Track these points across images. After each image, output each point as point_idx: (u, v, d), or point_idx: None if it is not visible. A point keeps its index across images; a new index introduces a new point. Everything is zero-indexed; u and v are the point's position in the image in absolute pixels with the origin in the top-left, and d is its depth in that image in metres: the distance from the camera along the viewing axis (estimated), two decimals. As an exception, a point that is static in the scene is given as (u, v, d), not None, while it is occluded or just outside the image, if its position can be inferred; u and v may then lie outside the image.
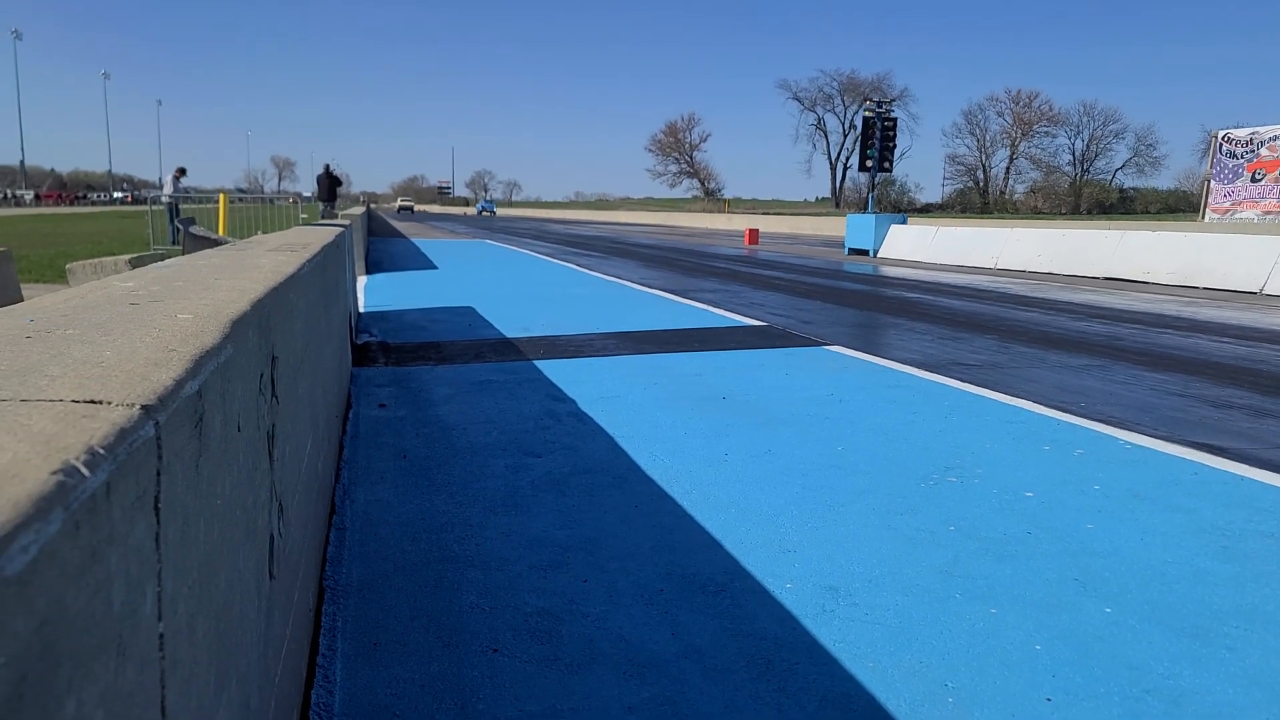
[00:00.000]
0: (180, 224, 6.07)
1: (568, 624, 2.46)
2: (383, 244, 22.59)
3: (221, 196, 9.59)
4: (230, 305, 1.55)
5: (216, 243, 5.93)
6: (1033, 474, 3.89)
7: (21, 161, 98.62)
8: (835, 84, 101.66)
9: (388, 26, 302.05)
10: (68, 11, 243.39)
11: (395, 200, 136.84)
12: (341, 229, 5.50)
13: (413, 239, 26.94)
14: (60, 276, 12.84)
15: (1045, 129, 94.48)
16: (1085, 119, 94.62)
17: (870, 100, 21.44)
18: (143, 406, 0.84)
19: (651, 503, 3.45)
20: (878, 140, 20.89)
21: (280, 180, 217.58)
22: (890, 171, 22.04)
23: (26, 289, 10.40)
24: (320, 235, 4.43)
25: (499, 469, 3.86)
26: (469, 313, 9.22)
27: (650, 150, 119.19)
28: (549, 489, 3.60)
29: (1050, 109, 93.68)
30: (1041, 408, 5.17)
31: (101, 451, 0.73)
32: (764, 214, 72.65)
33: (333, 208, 26.34)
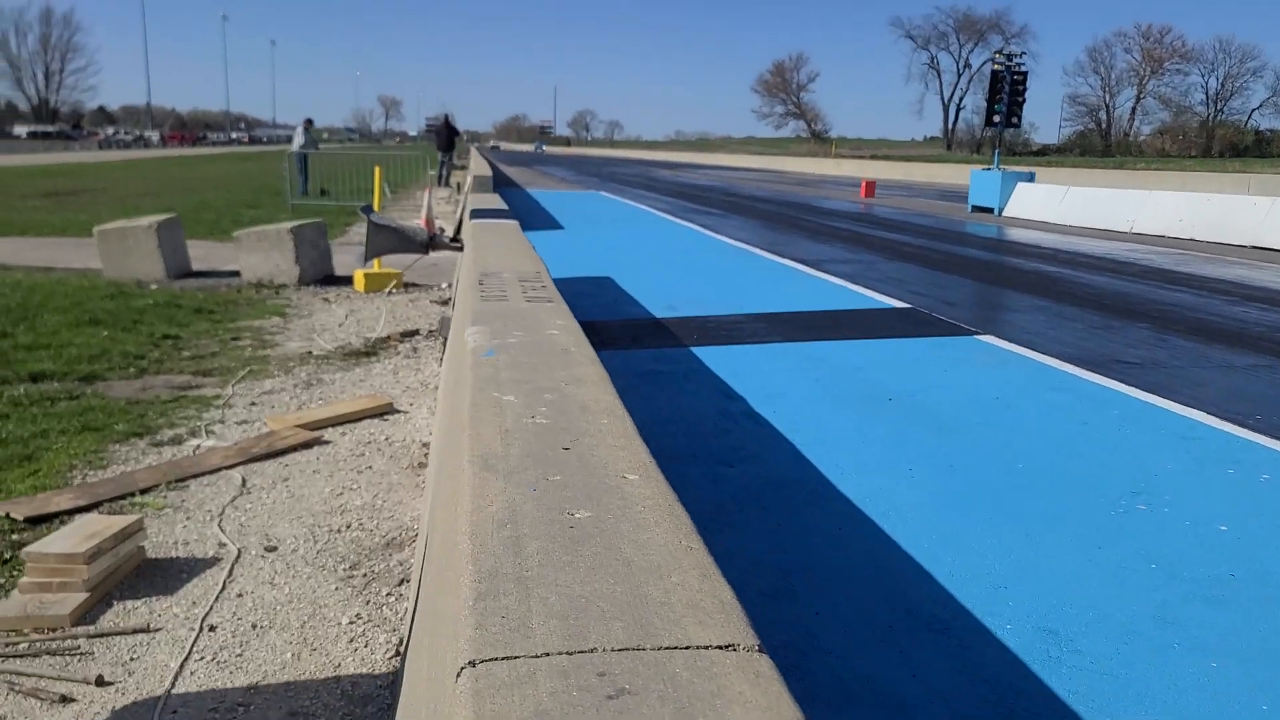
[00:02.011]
0: (364, 213, 6.44)
1: (813, 660, 2.70)
2: (504, 197, 23.15)
3: (377, 171, 10.03)
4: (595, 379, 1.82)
5: (402, 233, 6.30)
6: (1221, 503, 3.96)
7: (148, 103, 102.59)
8: (950, 21, 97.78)
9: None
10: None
11: (490, 141, 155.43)
12: (529, 250, 5.81)
13: (529, 189, 27.41)
14: (215, 231, 13.63)
15: (1177, 66, 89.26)
16: (1221, 56, 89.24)
17: (1000, 53, 20.69)
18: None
19: (852, 524, 3.67)
20: (1006, 94, 20.22)
21: (387, 119, 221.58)
22: (1018, 126, 21.37)
23: (192, 245, 11.12)
24: (524, 254, 4.71)
25: (697, 479, 4.12)
26: (610, 285, 9.48)
27: (756, 91, 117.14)
28: (751, 505, 3.85)
29: (1183, 45, 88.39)
30: (1217, 421, 5.17)
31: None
32: (871, 157, 70.91)
33: (452, 158, 26.92)
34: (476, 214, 6.43)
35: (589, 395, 1.94)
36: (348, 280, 9.61)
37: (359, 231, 14.47)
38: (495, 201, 8.28)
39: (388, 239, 6.21)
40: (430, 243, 6.30)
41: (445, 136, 26.52)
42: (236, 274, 9.69)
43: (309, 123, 22.44)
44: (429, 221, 13.92)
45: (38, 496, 3.93)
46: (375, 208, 8.94)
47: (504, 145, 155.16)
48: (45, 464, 4.32)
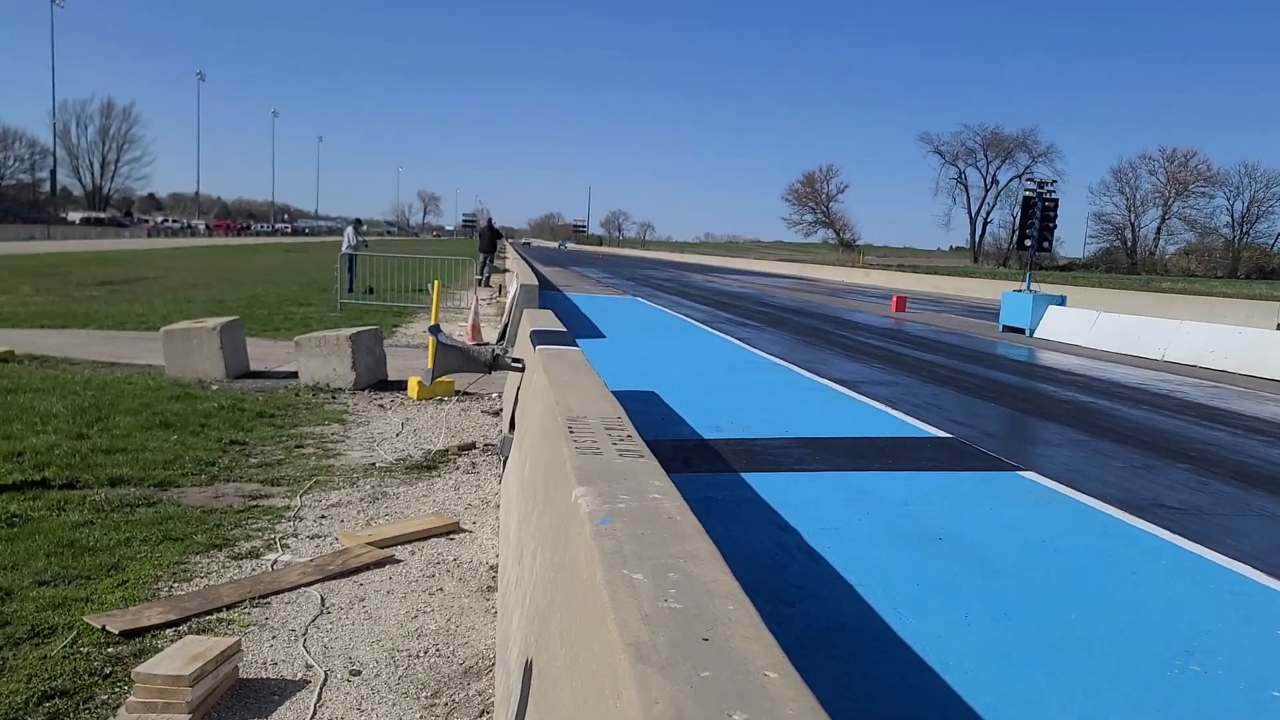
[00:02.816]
0: (432, 333, 6.74)
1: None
2: (544, 299, 23.63)
3: (435, 286, 10.42)
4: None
5: (467, 353, 6.57)
6: (1273, 666, 4.02)
7: (197, 193, 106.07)
8: (978, 138, 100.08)
9: (531, 68, 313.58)
10: (238, 51, 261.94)
11: (523, 238, 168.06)
12: (602, 389, 6.06)
13: (567, 292, 28.01)
14: (268, 328, 14.06)
15: (1201, 189, 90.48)
16: (1246, 180, 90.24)
17: (1031, 179, 21.27)
18: None
19: (916, 674, 3.77)
20: (1037, 220, 20.67)
21: (425, 213, 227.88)
22: (1049, 250, 21.77)
23: (252, 344, 11.47)
24: (599, 393, 4.92)
25: (765, 619, 4.23)
26: (656, 401, 9.70)
27: (787, 200, 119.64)
28: (817, 648, 3.96)
29: (1208, 169, 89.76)
30: (1263, 576, 5.23)
31: None
32: (899, 267, 71.79)
33: (493, 258, 27.59)
34: (539, 338, 6.69)
35: (709, 575, 2.10)
36: (400, 385, 9.88)
37: (408, 333, 14.89)
38: (550, 320, 8.56)
39: (454, 359, 6.47)
40: (493, 363, 6.55)
41: (488, 239, 27.31)
42: (294, 375, 9.98)
43: (358, 223, 23.21)
44: (474, 328, 14.37)
45: (130, 610, 4.11)
46: (432, 319, 9.25)
47: (535, 242, 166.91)
48: (132, 574, 4.51)
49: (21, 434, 6.81)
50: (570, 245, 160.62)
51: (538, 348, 6.17)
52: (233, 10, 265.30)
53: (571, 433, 3.56)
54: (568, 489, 2.81)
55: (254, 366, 10.49)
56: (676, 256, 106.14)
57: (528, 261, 38.84)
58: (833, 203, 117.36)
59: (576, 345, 6.55)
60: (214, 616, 4.12)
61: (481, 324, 15.26)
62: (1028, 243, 20.85)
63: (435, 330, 6.76)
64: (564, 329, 7.79)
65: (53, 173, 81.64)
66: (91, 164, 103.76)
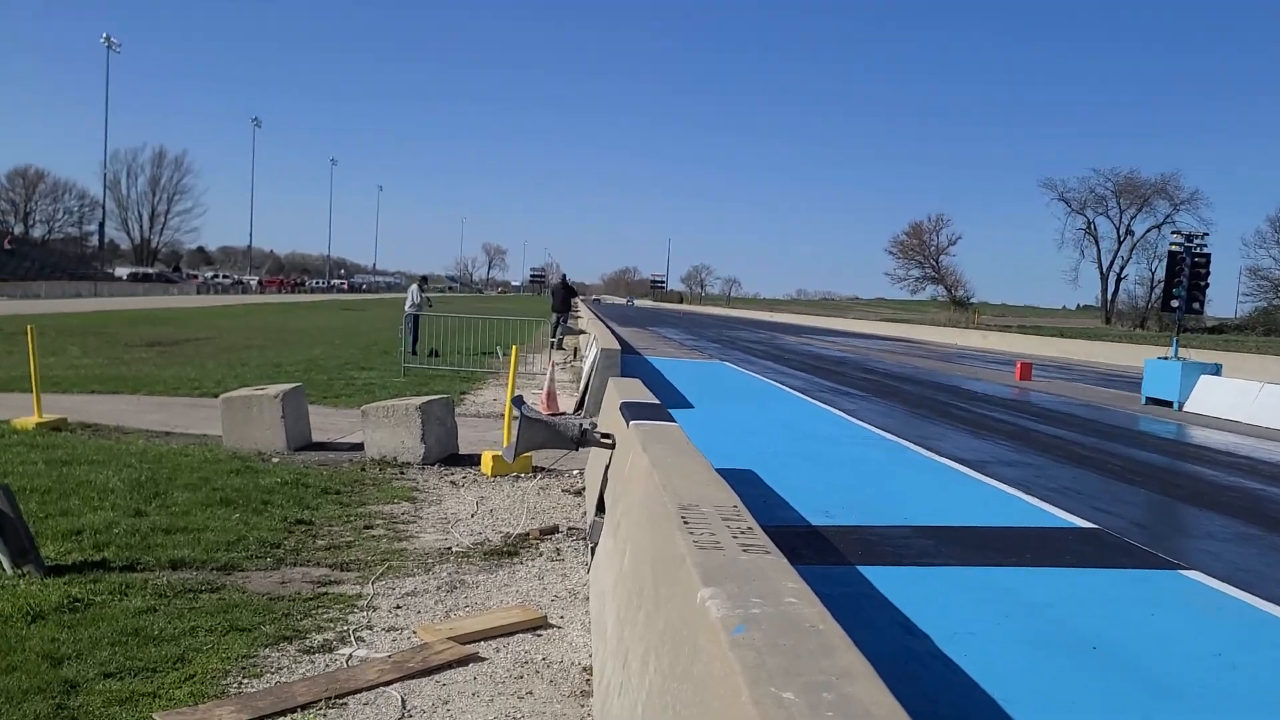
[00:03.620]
0: (515, 405, 6.85)
1: None
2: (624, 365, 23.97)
3: (514, 352, 10.64)
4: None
5: (554, 428, 6.66)
6: None
7: (249, 247, 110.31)
8: (1110, 184, 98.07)
9: (605, 112, 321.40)
10: (296, 98, 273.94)
11: (593, 295, 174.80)
12: (709, 471, 6.09)
13: (647, 355, 28.25)
14: (328, 394, 14.45)
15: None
16: None
17: (1178, 233, 20.78)
18: None
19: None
20: (1185, 277, 20.17)
21: (490, 268, 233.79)
22: (1201, 312, 21.18)
23: (313, 413, 11.77)
24: (707, 476, 4.93)
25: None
26: (756, 482, 9.67)
27: (891, 253, 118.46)
28: (961, 776, 3.85)
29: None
30: None
31: None
32: (1019, 328, 70.40)
33: (566, 318, 28.00)
34: (632, 411, 6.75)
35: (866, 695, 2.08)
36: (473, 460, 10.03)
37: (477, 401, 15.14)
38: (640, 391, 8.64)
39: (539, 434, 6.56)
40: (581, 438, 6.62)
41: (561, 296, 27.76)
42: (358, 447, 10.20)
43: (424, 281, 23.85)
44: (550, 397, 14.54)
45: (199, 708, 4.22)
46: (509, 388, 9.42)
47: (607, 298, 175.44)
48: (199, 667, 4.63)
49: (79, 510, 7.09)
50: (639, 302, 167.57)
51: (632, 423, 6.23)
52: (291, 55, 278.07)
53: (686, 523, 3.58)
54: (689, 589, 2.81)
55: (316, 437, 10.76)
56: (766, 315, 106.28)
57: (604, 322, 39.33)
58: (943, 256, 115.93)
59: (674, 420, 6.59)
60: (288, 718, 4.19)
61: (557, 391, 15.43)
62: (1174, 303, 20.33)
63: (519, 402, 6.88)
64: (657, 401, 7.85)
65: (101, 225, 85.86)
66: (141, 215, 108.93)
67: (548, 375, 14.84)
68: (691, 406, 15.95)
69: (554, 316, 27.93)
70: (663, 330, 51.79)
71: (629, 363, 23.44)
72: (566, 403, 15.53)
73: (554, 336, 25.82)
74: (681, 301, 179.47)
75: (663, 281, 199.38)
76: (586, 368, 16.64)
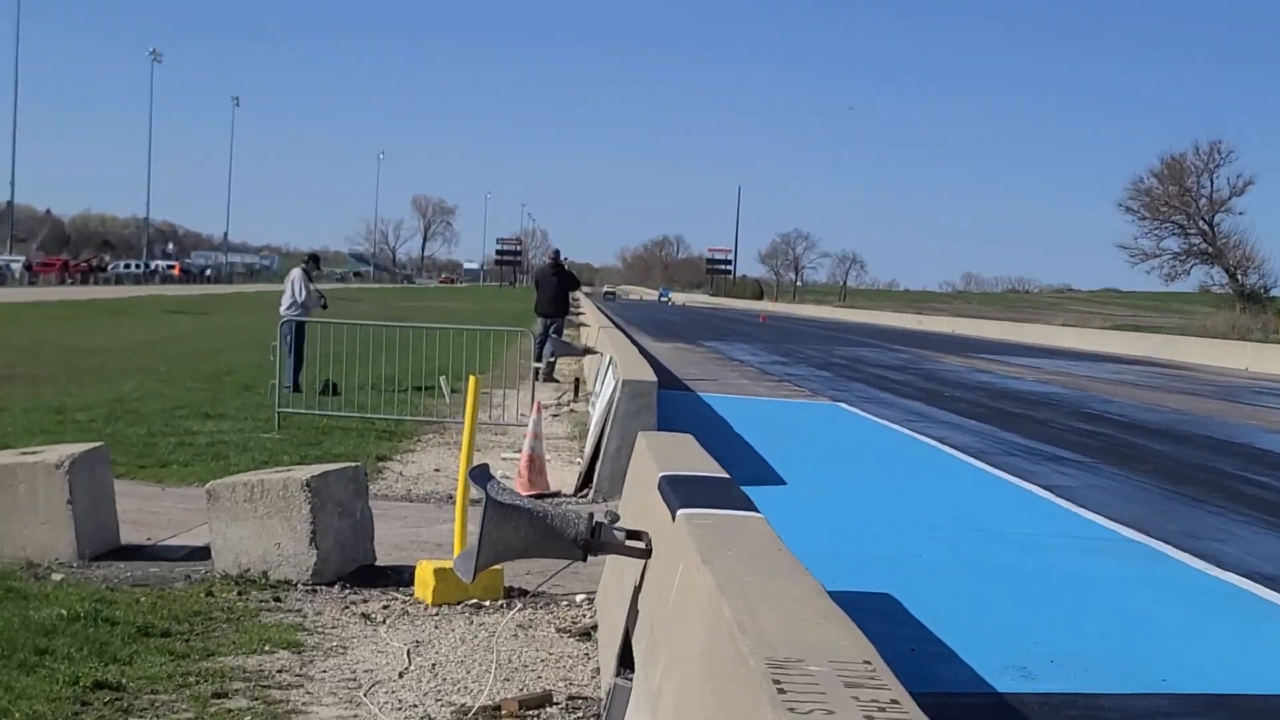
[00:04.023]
0: (476, 481, 6.71)
1: None
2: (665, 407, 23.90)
3: (472, 385, 10.62)
4: None
5: (544, 521, 6.54)
6: None
7: (9, 202, 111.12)
8: None
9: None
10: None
11: (605, 285, 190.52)
12: (820, 596, 5.95)
13: (703, 392, 28.24)
14: (148, 459, 14.42)
15: None
16: None
17: None
18: None
19: None
20: None
21: (427, 238, 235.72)
22: None
23: (124, 493, 11.65)
24: (816, 606, 4.80)
25: None
26: (897, 615, 9.55)
27: (1129, 208, 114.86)
28: None
29: None
30: None
31: None
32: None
33: (562, 326, 28.04)
34: (679, 491, 6.62)
35: None
36: (400, 575, 9.98)
37: (407, 473, 15.16)
38: (693, 454, 8.53)
39: (517, 532, 6.40)
40: (591, 540, 6.47)
41: (554, 290, 27.92)
42: (203, 554, 10.12)
43: (312, 263, 23.99)
44: (532, 464, 14.49)
45: None
46: (463, 452, 9.36)
47: (627, 291, 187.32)
48: None
49: None
50: (683, 298, 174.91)
51: (681, 513, 6.10)
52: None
53: (782, 693, 3.43)
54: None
55: (128, 536, 10.69)
56: (907, 320, 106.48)
57: (626, 333, 39.37)
58: (1221, 213, 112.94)
59: (754, 507, 6.47)
60: None
61: (546, 455, 15.37)
62: None
63: (481, 477, 6.76)
64: (723, 473, 7.73)
65: None
66: None
67: (530, 427, 14.77)
68: (783, 482, 15.88)
69: (540, 324, 27.97)
70: (728, 346, 51.93)
71: (672, 405, 23.38)
72: (563, 475, 15.51)
73: (541, 360, 25.76)
74: (760, 296, 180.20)
75: (726, 261, 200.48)
76: (598, 414, 16.57)
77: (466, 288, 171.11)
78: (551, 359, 26.32)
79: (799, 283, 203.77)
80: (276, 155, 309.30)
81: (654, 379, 16.60)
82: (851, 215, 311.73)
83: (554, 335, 27.25)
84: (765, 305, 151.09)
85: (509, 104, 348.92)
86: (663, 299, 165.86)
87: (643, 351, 29.79)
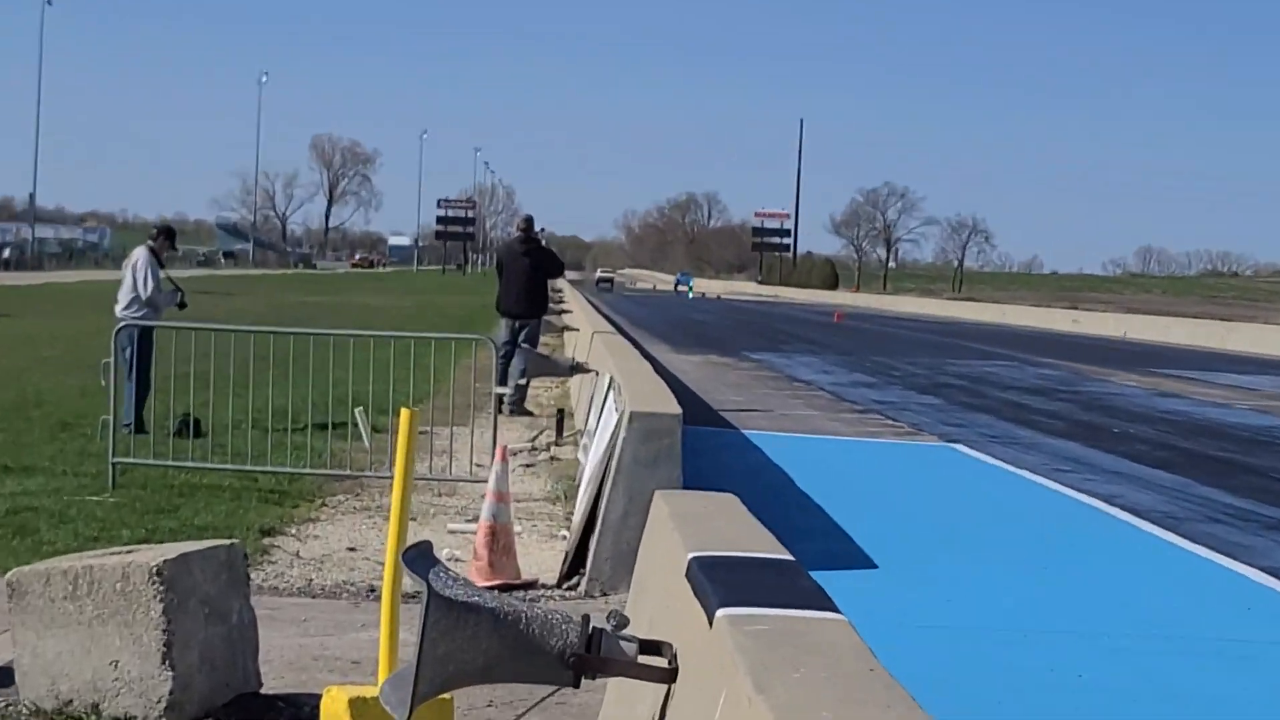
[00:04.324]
0: (412, 568, 6.73)
1: None
2: (694, 453, 23.85)
3: (405, 420, 10.69)
4: None
5: (523, 636, 6.58)
6: None
7: None
8: None
9: None
10: None
11: (603, 271, 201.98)
12: None
13: (747, 430, 28.14)
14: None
15: None
16: None
17: None
18: None
19: None
20: None
21: (333, 197, 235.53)
22: None
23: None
24: None
25: None
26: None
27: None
28: None
29: None
30: None
31: None
32: None
33: (538, 332, 28.12)
34: (721, 584, 6.65)
35: None
36: (297, 707, 10.00)
37: (309, 551, 15.14)
38: (738, 524, 8.58)
39: (476, 643, 6.40)
40: (588, 654, 6.51)
41: (526, 277, 27.90)
42: (3, 677, 10.14)
43: (162, 238, 23.95)
44: (494, 539, 14.52)
45: None
46: (392, 524, 9.43)
47: (634, 277, 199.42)
48: None
49: None
50: (708, 288, 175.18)
51: (720, 613, 6.13)
52: None
53: None
54: None
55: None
56: (1061, 322, 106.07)
57: (631, 339, 39.34)
58: None
59: (833, 607, 6.47)
60: None
61: (516, 525, 15.41)
62: None
63: (420, 561, 6.80)
64: (784, 552, 7.74)
65: None
66: None
67: (491, 484, 14.79)
68: (873, 565, 15.87)
69: (506, 328, 27.99)
70: (786, 359, 52.00)
71: (705, 449, 23.41)
72: (541, 556, 15.64)
73: (507, 382, 25.83)
74: (835, 284, 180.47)
75: (783, 232, 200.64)
76: (592, 463, 16.52)
77: (393, 273, 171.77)
78: (523, 381, 26.23)
79: (892, 263, 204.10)
80: (108, 83, 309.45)
81: (677, 410, 16.59)
82: (968, 165, 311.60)
83: (526, 345, 27.09)
84: (842, 297, 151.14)
85: (455, 5, 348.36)
86: (680, 288, 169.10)
87: (659, 368, 29.81)
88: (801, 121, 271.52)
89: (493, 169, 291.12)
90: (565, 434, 24.56)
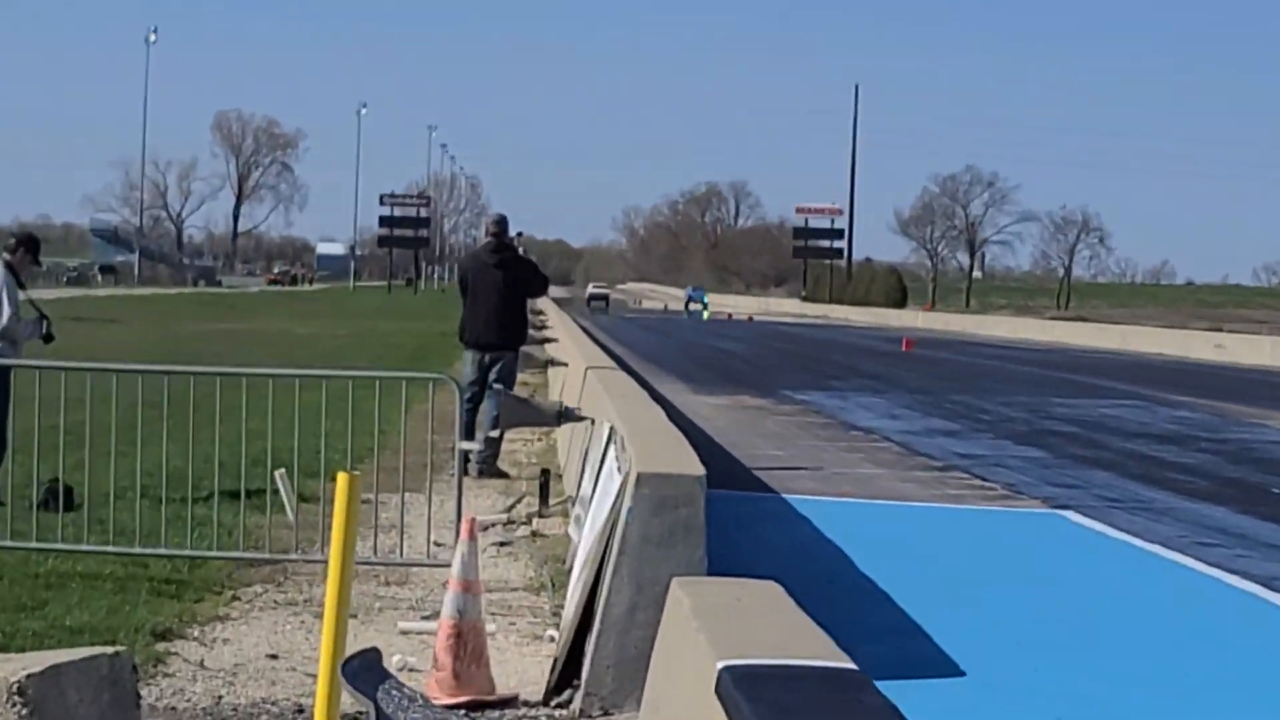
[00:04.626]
0: (357, 687, 6.91)
1: None
2: (722, 525, 23.94)
3: (342, 485, 10.88)
4: None
5: None
6: None
7: None
8: None
9: None
10: None
11: (596, 287, 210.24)
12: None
13: (793, 498, 28.12)
14: None
15: None
16: None
17: None
18: None
19: None
20: None
21: (242, 192, 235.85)
22: None
23: None
24: None
25: None
26: None
27: None
28: None
29: None
30: None
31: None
32: None
33: (514, 368, 28.26)
34: (753, 695, 6.80)
35: None
36: None
37: (219, 659, 15.18)
38: (778, 617, 8.76)
39: None
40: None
41: (499, 295, 27.96)
42: None
43: (25, 250, 24.04)
44: (463, 643, 14.58)
45: None
46: (329, 628, 9.59)
47: (637, 294, 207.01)
48: None
49: None
50: (713, 304, 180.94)
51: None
52: None
53: None
54: None
55: None
56: (1202, 348, 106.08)
57: (632, 372, 39.44)
58: None
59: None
60: None
61: (488, 623, 15.49)
62: None
63: (364, 674, 6.97)
64: (844, 659, 7.86)
65: None
66: None
67: (455, 570, 14.85)
68: (959, 673, 15.93)
69: (473, 362, 28.11)
70: (840, 399, 52.27)
71: (736, 521, 23.47)
72: (522, 663, 15.76)
73: (473, 435, 25.97)
74: (902, 300, 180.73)
75: (832, 233, 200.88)
76: (588, 541, 16.59)
77: (323, 291, 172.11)
78: (495, 433, 26.31)
79: (977, 272, 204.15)
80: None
81: (699, 470, 16.64)
82: (1074, 145, 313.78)
83: (498, 386, 27.12)
84: (912, 318, 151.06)
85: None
86: (691, 306, 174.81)
87: (675, 415, 29.83)
88: (857, 87, 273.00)
89: (453, 154, 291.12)
90: (552, 502, 24.57)
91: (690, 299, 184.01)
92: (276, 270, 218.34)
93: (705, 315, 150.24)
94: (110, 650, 10.77)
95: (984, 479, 32.11)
